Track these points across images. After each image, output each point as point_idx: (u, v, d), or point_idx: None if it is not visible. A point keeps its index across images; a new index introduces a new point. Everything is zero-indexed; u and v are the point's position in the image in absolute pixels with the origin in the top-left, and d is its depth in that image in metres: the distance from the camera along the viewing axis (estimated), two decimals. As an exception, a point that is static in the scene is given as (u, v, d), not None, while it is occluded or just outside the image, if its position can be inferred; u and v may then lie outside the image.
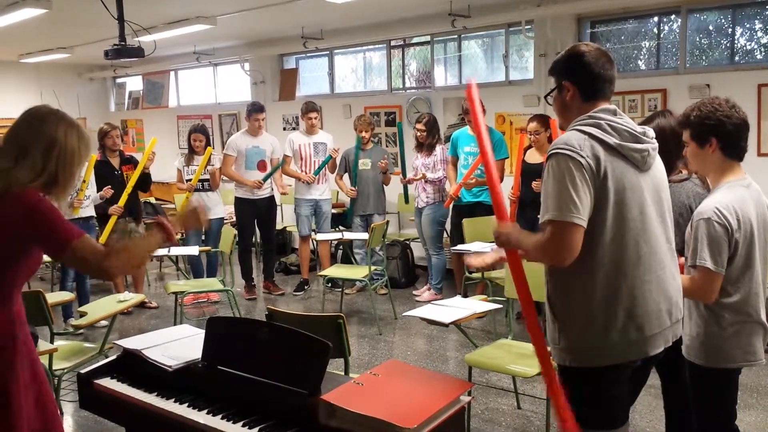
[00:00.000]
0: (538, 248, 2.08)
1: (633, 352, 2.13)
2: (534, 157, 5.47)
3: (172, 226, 2.31)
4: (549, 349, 2.25)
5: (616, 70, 2.20)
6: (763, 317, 2.47)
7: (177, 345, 2.63)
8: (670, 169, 2.37)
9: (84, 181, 5.62)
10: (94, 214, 5.73)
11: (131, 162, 6.07)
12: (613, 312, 2.08)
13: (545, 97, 2.31)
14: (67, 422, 3.97)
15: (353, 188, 6.50)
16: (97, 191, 5.68)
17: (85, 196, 5.54)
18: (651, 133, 2.19)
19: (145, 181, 6.08)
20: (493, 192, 2.28)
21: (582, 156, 2.01)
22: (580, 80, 2.16)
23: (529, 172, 5.40)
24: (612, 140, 2.07)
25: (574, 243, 1.99)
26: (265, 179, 6.45)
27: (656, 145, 2.19)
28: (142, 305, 6.17)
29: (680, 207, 2.76)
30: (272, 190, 6.63)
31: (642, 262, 2.09)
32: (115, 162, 5.99)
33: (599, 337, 2.10)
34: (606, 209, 2.04)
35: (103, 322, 4.66)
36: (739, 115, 2.40)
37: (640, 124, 2.27)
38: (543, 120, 5.32)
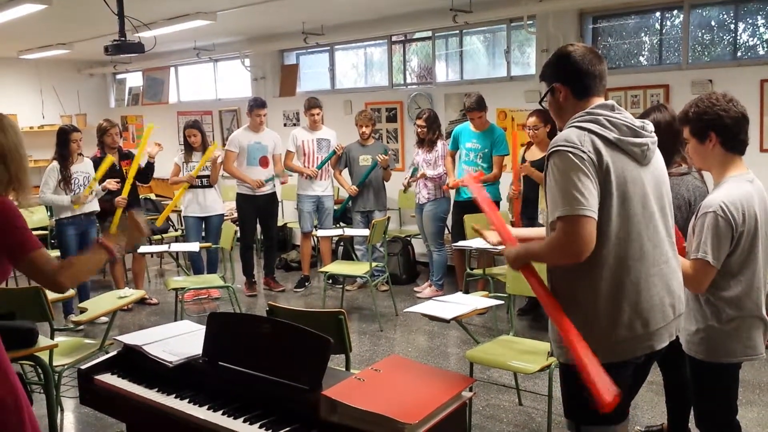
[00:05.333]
0: (553, 248, 2.05)
1: (640, 348, 2.12)
2: (533, 154, 5.45)
3: (113, 242, 2.32)
4: (553, 347, 2.24)
5: (605, 66, 2.21)
6: (764, 312, 2.48)
7: (177, 341, 2.63)
8: (667, 163, 2.37)
9: (94, 179, 5.64)
10: (97, 209, 5.74)
11: (130, 157, 6.09)
12: (618, 307, 2.07)
13: (540, 102, 2.31)
14: (68, 418, 3.98)
15: (356, 188, 6.48)
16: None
17: (91, 193, 5.57)
18: (650, 127, 2.19)
19: (147, 173, 6.08)
20: (502, 233, 2.38)
21: (583, 151, 2.00)
22: (569, 79, 2.17)
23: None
24: (611, 135, 2.06)
25: (588, 235, 1.97)
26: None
27: (656, 138, 2.18)
28: (142, 302, 6.18)
29: (679, 200, 2.76)
30: (274, 186, 6.62)
31: (645, 257, 2.09)
32: (115, 158, 5.99)
33: (606, 334, 2.08)
34: (609, 204, 2.03)
35: (104, 318, 4.65)
36: (737, 109, 2.41)
37: (636, 118, 2.26)
38: (543, 115, 5.29)
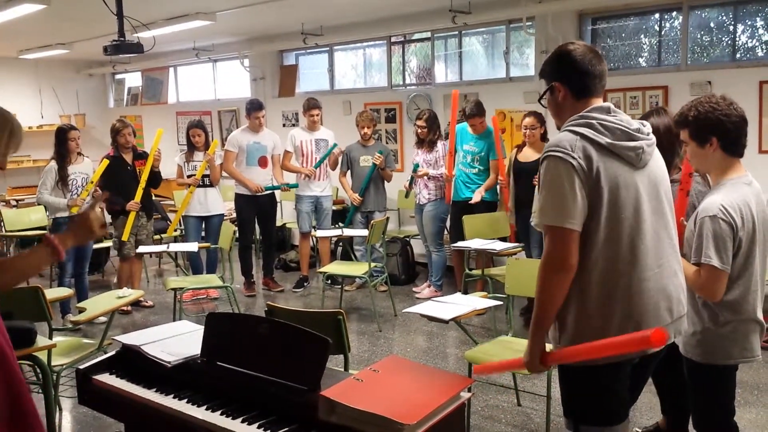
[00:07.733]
0: (546, 262, 2.06)
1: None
2: (527, 155, 5.44)
3: (61, 241, 2.12)
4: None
5: (605, 66, 2.19)
6: (760, 315, 2.47)
7: (176, 341, 2.62)
8: (668, 166, 2.36)
9: (91, 182, 5.62)
10: None
11: (144, 157, 6.07)
12: (609, 311, 2.08)
13: (539, 100, 2.31)
14: (66, 418, 3.97)
15: (359, 197, 6.48)
16: (108, 185, 5.53)
17: (88, 196, 5.54)
18: (648, 128, 2.17)
19: (155, 179, 6.07)
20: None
21: (573, 158, 2.01)
22: (569, 79, 2.16)
23: (522, 171, 5.39)
24: (604, 140, 2.06)
25: (572, 247, 2.02)
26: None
27: (653, 140, 2.17)
28: (137, 304, 6.12)
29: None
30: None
31: (638, 261, 2.08)
32: (128, 158, 5.99)
33: (598, 336, 2.08)
34: (600, 209, 2.04)
35: (102, 318, 4.65)
36: (738, 113, 2.40)
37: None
38: (539, 116, 5.31)
